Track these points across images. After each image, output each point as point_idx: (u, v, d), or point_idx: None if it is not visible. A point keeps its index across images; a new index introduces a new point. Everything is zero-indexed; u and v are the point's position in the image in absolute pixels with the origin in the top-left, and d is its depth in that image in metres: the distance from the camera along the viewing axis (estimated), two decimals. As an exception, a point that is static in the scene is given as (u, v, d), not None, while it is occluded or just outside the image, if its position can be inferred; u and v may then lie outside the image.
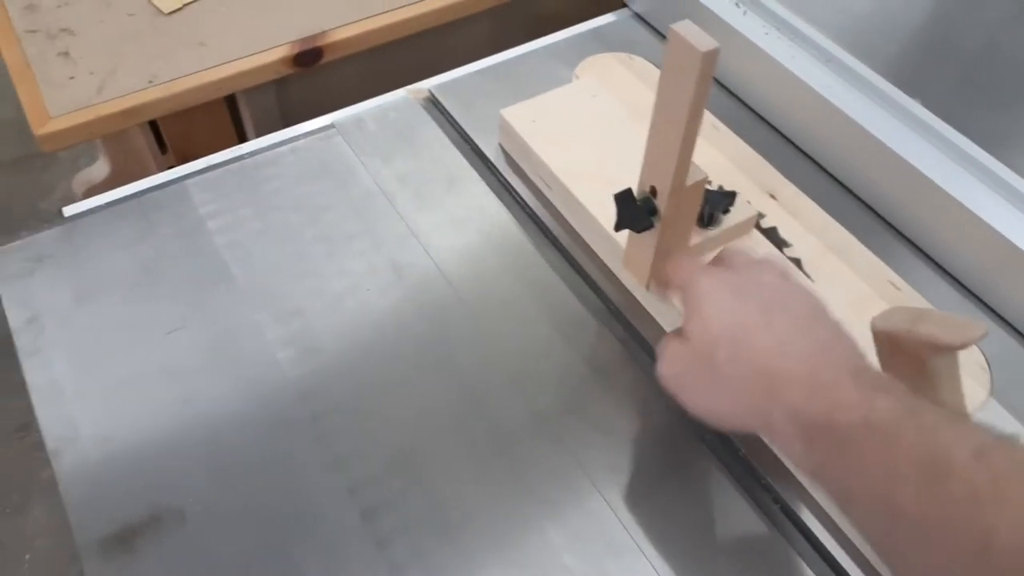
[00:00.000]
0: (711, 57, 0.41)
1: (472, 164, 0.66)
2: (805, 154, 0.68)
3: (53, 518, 1.26)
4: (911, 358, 0.42)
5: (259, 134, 0.82)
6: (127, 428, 0.50)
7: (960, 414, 0.44)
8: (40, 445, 0.50)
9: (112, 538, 0.46)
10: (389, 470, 0.49)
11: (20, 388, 0.52)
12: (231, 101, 0.82)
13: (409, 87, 0.72)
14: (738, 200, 0.56)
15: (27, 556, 1.23)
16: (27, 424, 1.32)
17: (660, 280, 0.54)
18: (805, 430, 0.38)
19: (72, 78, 0.72)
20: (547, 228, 0.63)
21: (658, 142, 0.47)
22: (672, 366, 0.45)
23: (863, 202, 0.65)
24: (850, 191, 0.65)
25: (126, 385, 0.52)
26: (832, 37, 0.67)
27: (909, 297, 0.58)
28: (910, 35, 0.75)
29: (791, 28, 0.68)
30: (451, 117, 0.70)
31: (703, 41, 0.41)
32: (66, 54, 0.74)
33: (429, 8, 0.81)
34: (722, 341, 0.42)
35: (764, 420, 0.40)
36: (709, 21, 0.71)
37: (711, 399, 0.43)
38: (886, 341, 0.43)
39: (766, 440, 0.41)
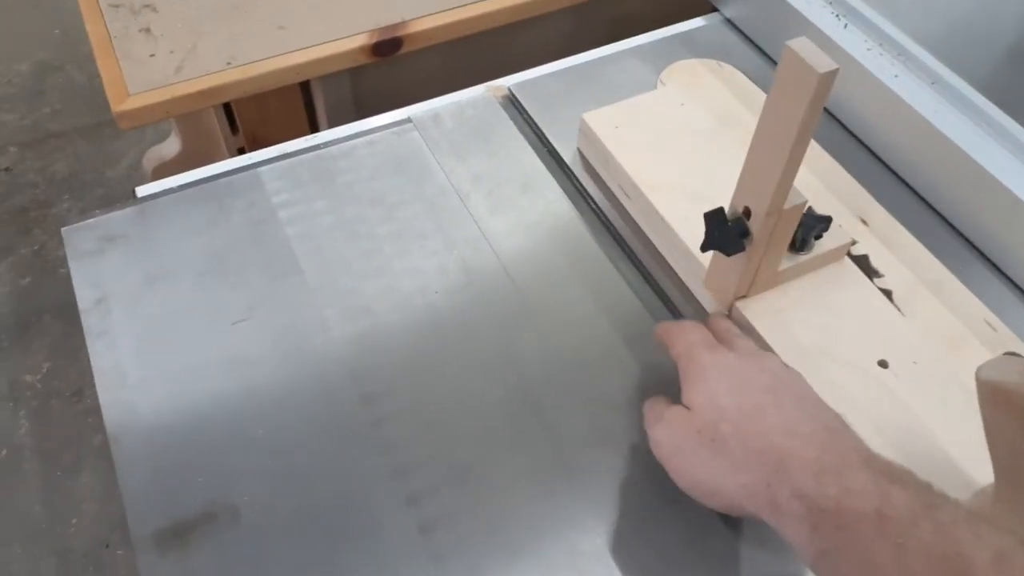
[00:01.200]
0: (828, 79, 0.38)
1: (548, 167, 0.64)
2: (901, 179, 0.64)
3: (102, 484, 1.28)
4: (1019, 413, 0.39)
5: (331, 122, 0.81)
6: (188, 418, 0.50)
7: (980, 513, 0.41)
8: (94, 410, 0.50)
9: (167, 531, 0.45)
10: (448, 482, 0.48)
11: (76, 353, 0.52)
12: (305, 87, 0.81)
13: (488, 84, 0.70)
14: (832, 225, 0.53)
15: (74, 520, 1.25)
16: (80, 389, 1.35)
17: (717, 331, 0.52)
18: (812, 513, 0.36)
19: (152, 56, 0.72)
20: (622, 239, 0.60)
21: (758, 161, 0.44)
22: (672, 434, 0.43)
23: (961, 234, 0.61)
24: (947, 221, 0.62)
25: (189, 374, 0.51)
26: (931, 48, 0.64)
27: (1005, 339, 0.54)
28: (1010, 48, 0.70)
29: (895, 44, 0.65)
30: (529, 117, 0.68)
31: (821, 62, 0.38)
32: (148, 31, 0.74)
33: (510, 3, 0.79)
34: (728, 415, 0.41)
35: (768, 499, 0.38)
36: (807, 32, 0.67)
37: (711, 474, 0.41)
38: (993, 393, 0.40)
39: (767, 521, 0.38)
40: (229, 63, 0.72)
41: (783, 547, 0.40)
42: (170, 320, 0.54)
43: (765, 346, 0.51)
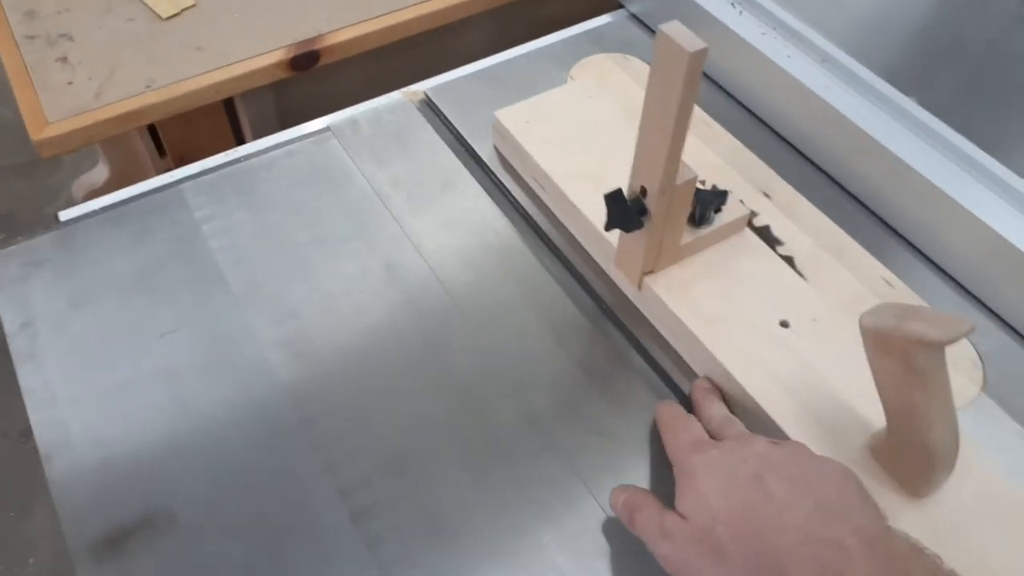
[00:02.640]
0: (699, 57, 0.41)
1: (467, 166, 0.66)
2: (800, 153, 0.68)
3: (57, 520, 1.26)
4: (899, 355, 0.41)
5: (257, 137, 0.82)
6: (120, 432, 0.50)
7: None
8: None
9: (103, 540, 0.46)
10: (382, 473, 0.49)
11: (20, 392, 0.52)
12: (229, 105, 0.82)
13: (404, 89, 0.72)
14: (730, 199, 0.56)
15: (31, 560, 1.23)
16: (28, 429, 1.33)
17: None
18: None
19: (70, 83, 0.73)
20: (541, 230, 0.63)
21: (647, 142, 0.47)
22: (676, 548, 0.42)
23: (858, 200, 0.64)
24: (845, 190, 0.65)
25: (120, 389, 0.52)
26: (831, 38, 0.67)
27: (903, 294, 0.57)
28: (910, 36, 0.74)
29: (788, 28, 0.68)
30: (446, 119, 0.70)
31: (691, 42, 0.41)
32: (64, 59, 0.75)
33: (427, 10, 0.81)
34: (721, 517, 0.40)
35: None
36: (705, 21, 0.71)
37: None
38: (873, 338, 0.43)
39: None
40: (148, 86, 0.73)
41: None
42: (97, 338, 0.54)
43: (674, 318, 0.53)
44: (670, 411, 0.50)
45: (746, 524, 0.39)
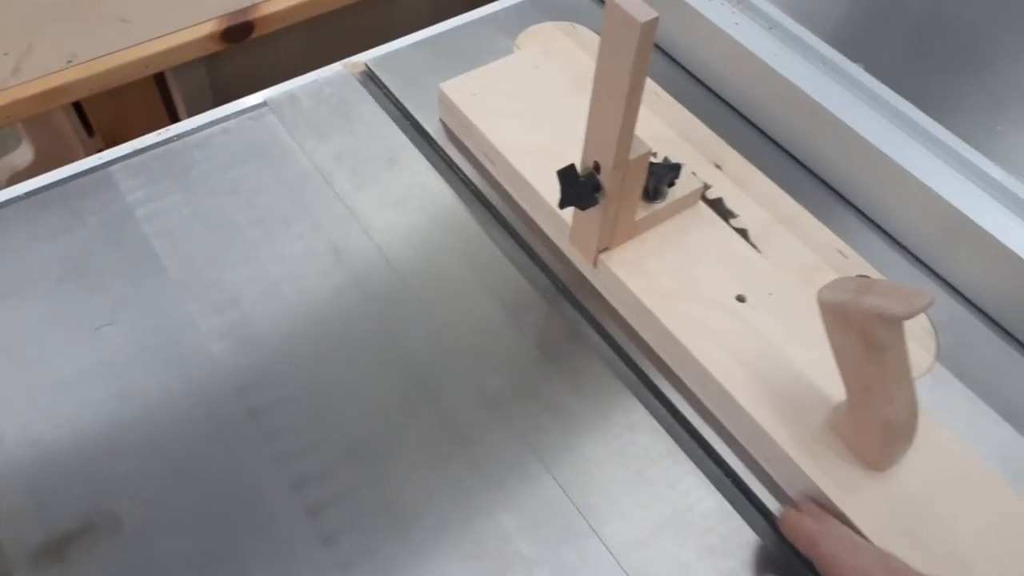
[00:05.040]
0: (650, 27, 0.39)
1: (412, 140, 0.64)
2: (750, 122, 0.67)
3: None
4: (858, 329, 0.41)
5: (191, 114, 0.79)
6: (58, 431, 0.48)
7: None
8: None
9: (43, 547, 0.44)
10: (335, 463, 0.48)
11: None
12: (160, 80, 0.78)
13: (345, 61, 0.69)
14: (683, 172, 0.55)
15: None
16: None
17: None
18: None
19: (-16, 59, 0.68)
20: (491, 205, 0.61)
21: (599, 117, 0.45)
22: None
23: (809, 170, 0.64)
24: (796, 159, 0.65)
25: (55, 386, 0.49)
26: (778, 4, 0.66)
27: (856, 265, 0.58)
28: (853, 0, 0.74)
29: (734, -7, 0.67)
30: (389, 92, 0.67)
31: (642, 11, 0.39)
32: (-23, 34, 0.70)
33: (365, -23, 0.78)
34: None
35: None
36: (651, -12, 0.69)
37: None
38: (832, 312, 0.42)
39: None
40: (70, 61, 0.69)
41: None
42: (28, 332, 0.51)
43: (630, 294, 0.53)
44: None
45: None
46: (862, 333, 0.41)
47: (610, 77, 0.43)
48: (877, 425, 0.44)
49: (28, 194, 0.58)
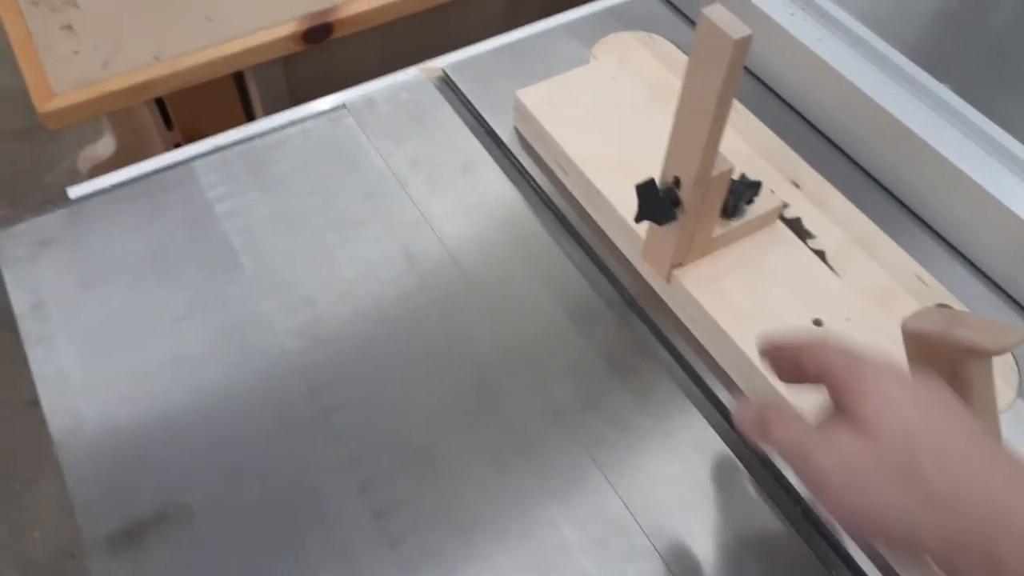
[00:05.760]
0: (743, 45, 0.39)
1: (486, 147, 0.64)
2: (830, 141, 0.66)
3: (62, 493, 1.26)
4: (944, 361, 0.40)
5: (267, 112, 0.80)
6: (135, 420, 0.49)
7: None
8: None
9: (120, 534, 0.45)
10: (401, 466, 0.48)
11: (26, 362, 0.51)
12: (239, 78, 0.80)
13: (422, 65, 0.70)
14: (762, 190, 0.54)
15: (36, 532, 1.23)
16: (34, 399, 1.32)
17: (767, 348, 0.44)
18: None
19: (76, 53, 0.70)
20: (562, 215, 0.61)
21: (683, 132, 0.45)
22: (845, 461, 0.35)
23: (890, 192, 0.63)
24: (877, 181, 0.63)
25: (133, 375, 0.51)
26: (858, 16, 0.65)
27: (936, 292, 0.56)
28: (936, 12, 0.72)
29: (818, 8, 0.66)
30: (465, 98, 0.68)
31: (735, 28, 0.39)
32: (69, 27, 0.72)
33: (445, -18, 0.79)
34: (926, 439, 0.34)
35: (985, 555, 0.32)
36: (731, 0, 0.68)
37: (902, 513, 0.34)
38: (918, 343, 0.41)
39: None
40: (156, 57, 0.70)
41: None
42: (110, 322, 0.53)
43: (703, 313, 0.52)
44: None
45: (963, 462, 0.33)
46: (950, 367, 0.40)
47: (698, 92, 0.42)
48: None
49: (114, 186, 0.60)
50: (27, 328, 0.53)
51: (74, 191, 0.60)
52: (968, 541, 0.32)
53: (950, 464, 0.33)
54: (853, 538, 0.40)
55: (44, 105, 0.67)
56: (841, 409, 0.37)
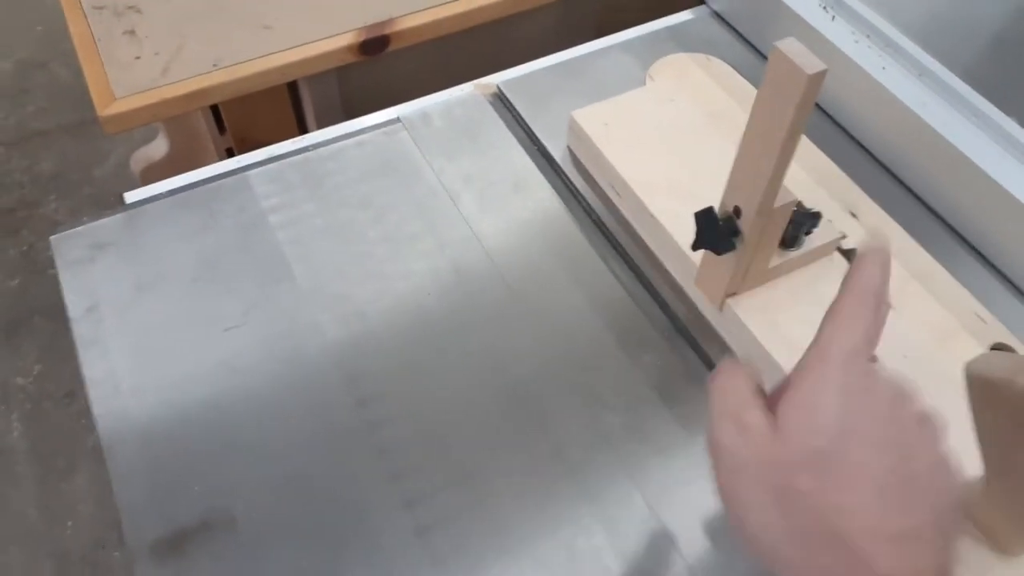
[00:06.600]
0: (817, 80, 0.38)
1: (539, 166, 0.64)
2: (890, 172, 0.64)
3: (96, 485, 1.28)
4: (1008, 408, 0.39)
5: (319, 122, 0.81)
6: (182, 427, 0.49)
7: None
8: (86, 412, 0.49)
9: (163, 541, 0.45)
10: (445, 484, 0.48)
11: (67, 354, 0.52)
12: (292, 87, 0.81)
13: (476, 82, 0.70)
14: (821, 220, 0.53)
15: (69, 522, 1.25)
16: (73, 391, 1.34)
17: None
18: None
19: (138, 58, 0.71)
20: (614, 238, 0.60)
21: (748, 162, 0.44)
22: (742, 447, 0.33)
23: (950, 226, 0.61)
24: (936, 213, 0.62)
25: (183, 382, 0.51)
26: (918, 39, 0.64)
27: (995, 330, 0.55)
28: (995, 36, 0.70)
29: (882, 36, 0.65)
30: (518, 115, 0.68)
31: (809, 62, 0.38)
32: (132, 32, 0.73)
33: (497, -1, 0.79)
34: (820, 463, 0.31)
35: None
36: (794, 24, 0.67)
37: (761, 526, 0.32)
38: (982, 388, 0.40)
39: None
40: (215, 65, 0.71)
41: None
42: (162, 328, 0.53)
43: (756, 344, 0.51)
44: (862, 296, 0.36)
45: (852, 496, 0.31)
46: (1014, 414, 0.38)
47: (766, 124, 0.42)
48: (1015, 509, 0.42)
49: (170, 192, 0.61)
50: (80, 330, 0.53)
51: (131, 196, 0.60)
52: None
53: (825, 498, 0.31)
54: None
55: (105, 109, 0.67)
56: (783, 397, 0.34)
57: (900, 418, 0.33)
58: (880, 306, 0.36)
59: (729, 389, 0.35)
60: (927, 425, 0.34)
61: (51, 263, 0.55)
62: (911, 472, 0.32)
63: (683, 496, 0.48)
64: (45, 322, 1.43)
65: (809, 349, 0.35)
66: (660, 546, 0.46)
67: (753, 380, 0.36)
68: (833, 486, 0.31)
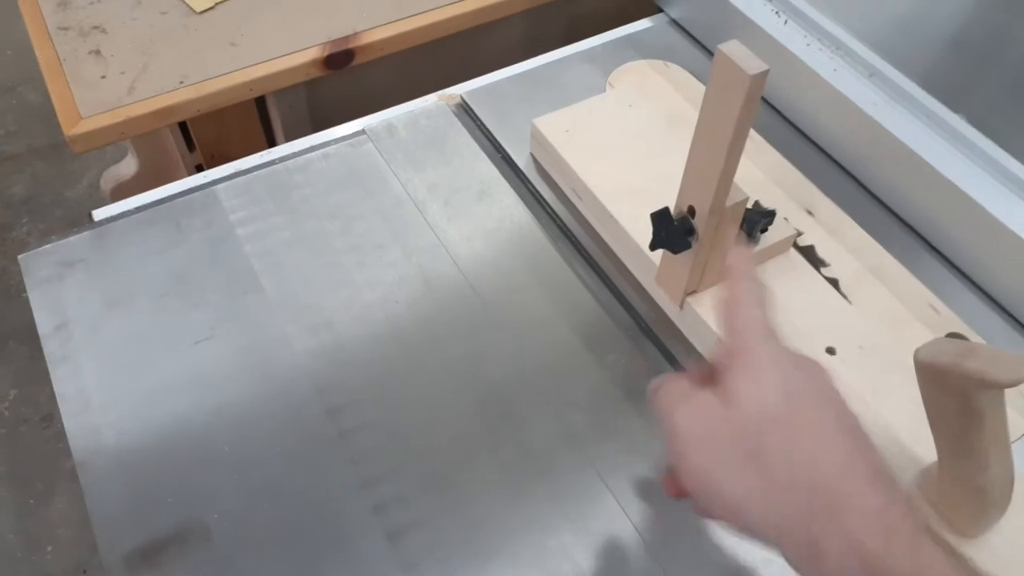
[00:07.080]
0: (760, 80, 0.40)
1: (503, 174, 0.65)
2: (844, 170, 0.66)
3: (76, 508, 1.27)
4: (957, 393, 0.40)
5: (288, 136, 0.82)
6: (155, 440, 0.50)
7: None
8: (64, 435, 0.50)
9: (137, 553, 0.46)
10: (417, 489, 0.49)
11: (43, 378, 0.52)
12: (260, 102, 0.81)
13: (441, 92, 0.71)
14: (776, 218, 0.55)
15: (49, 547, 1.24)
16: (50, 414, 1.34)
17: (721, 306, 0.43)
18: (871, 572, 0.31)
19: (103, 77, 0.72)
20: (578, 241, 0.62)
21: (699, 162, 0.46)
22: (698, 425, 0.36)
23: (904, 221, 0.63)
24: (890, 210, 0.64)
25: (154, 395, 0.52)
26: (871, 43, 0.66)
27: (948, 321, 0.56)
28: (950, 40, 0.73)
29: (833, 39, 0.67)
30: (482, 124, 0.69)
31: (752, 64, 0.39)
32: (97, 52, 0.74)
33: (463, 10, 0.80)
34: (780, 422, 0.34)
35: (807, 541, 0.32)
36: (748, 30, 0.69)
37: (738, 489, 0.34)
38: (930, 373, 0.41)
39: (791, 561, 0.33)
40: (182, 82, 0.72)
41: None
42: (132, 343, 0.54)
43: (715, 338, 0.52)
44: (748, 286, 0.40)
45: (808, 444, 0.34)
46: (962, 398, 0.40)
47: (713, 124, 0.43)
48: (970, 492, 0.43)
49: (138, 208, 0.61)
50: (50, 348, 0.54)
51: (99, 213, 0.61)
52: (793, 527, 0.33)
53: (795, 450, 0.34)
54: (696, 507, 0.39)
55: (71, 128, 0.68)
56: (719, 379, 0.37)
57: (820, 378, 0.36)
58: (766, 292, 0.40)
59: (670, 388, 0.39)
60: (836, 383, 0.37)
61: (23, 287, 0.56)
62: (851, 421, 0.35)
63: (650, 491, 0.49)
64: (19, 346, 1.42)
65: (728, 336, 0.38)
66: (630, 542, 0.47)
67: (686, 379, 0.39)
68: (798, 440, 0.34)
